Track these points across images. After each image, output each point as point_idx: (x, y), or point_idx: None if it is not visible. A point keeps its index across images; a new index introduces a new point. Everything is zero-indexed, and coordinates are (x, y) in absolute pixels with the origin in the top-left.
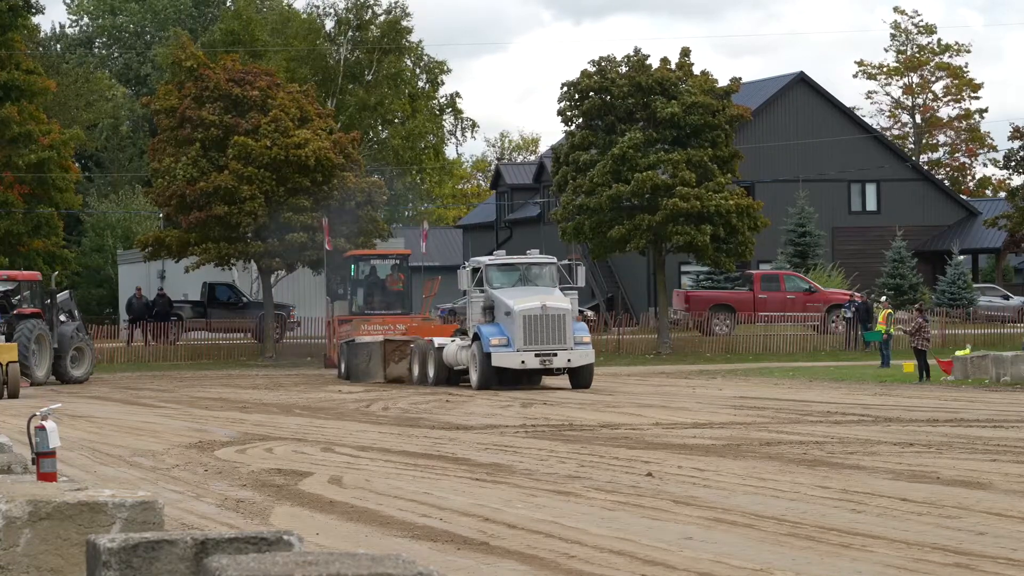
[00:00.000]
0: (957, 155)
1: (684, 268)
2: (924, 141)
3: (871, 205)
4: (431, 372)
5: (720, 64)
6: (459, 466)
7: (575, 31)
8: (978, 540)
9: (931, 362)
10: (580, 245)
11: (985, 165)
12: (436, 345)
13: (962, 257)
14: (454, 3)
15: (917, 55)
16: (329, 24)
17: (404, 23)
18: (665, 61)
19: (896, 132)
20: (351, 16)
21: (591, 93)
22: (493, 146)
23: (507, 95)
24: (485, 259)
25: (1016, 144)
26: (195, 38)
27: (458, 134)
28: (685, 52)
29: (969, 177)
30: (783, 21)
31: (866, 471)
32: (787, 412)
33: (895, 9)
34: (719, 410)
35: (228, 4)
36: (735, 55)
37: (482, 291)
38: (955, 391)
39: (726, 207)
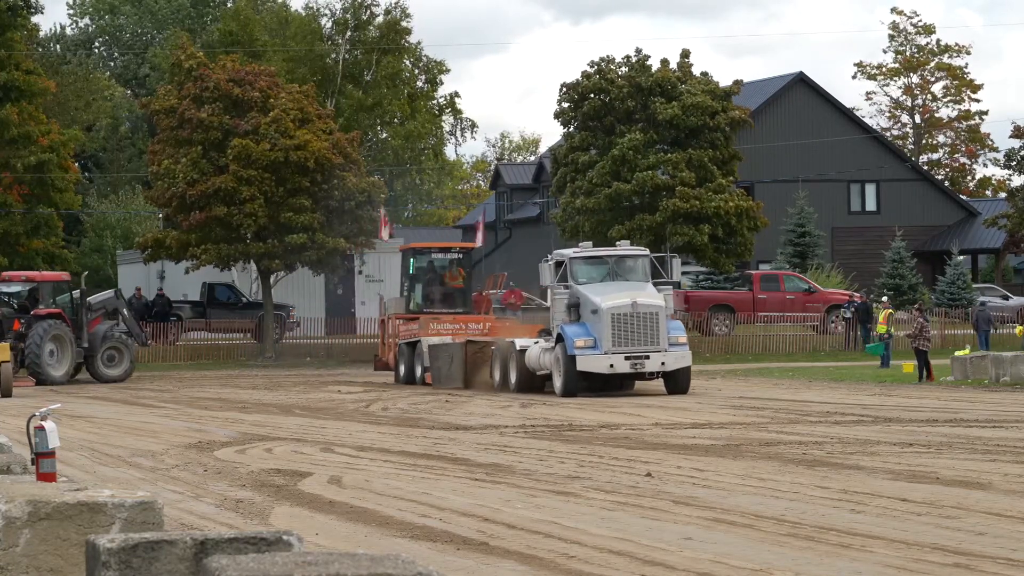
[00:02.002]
0: (957, 155)
1: (683, 268)
2: (924, 141)
3: (871, 205)
4: (513, 377)
5: (720, 64)
6: (458, 466)
7: (574, 31)
8: (977, 540)
9: (932, 361)
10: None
11: (985, 165)
12: (518, 347)
13: (961, 257)
14: (454, 3)
15: (916, 56)
16: (327, 24)
17: (403, 23)
18: (665, 62)
19: (896, 132)
20: (349, 16)
21: (590, 94)
22: (493, 146)
23: (507, 95)
24: (569, 251)
25: (1017, 144)
26: (194, 39)
27: (457, 134)
28: (685, 54)
29: (969, 177)
30: (783, 21)
31: (865, 471)
32: (786, 412)
33: (894, 10)
34: (718, 410)
35: (228, 5)
36: (735, 55)
37: (566, 287)
38: (954, 391)
39: (725, 208)
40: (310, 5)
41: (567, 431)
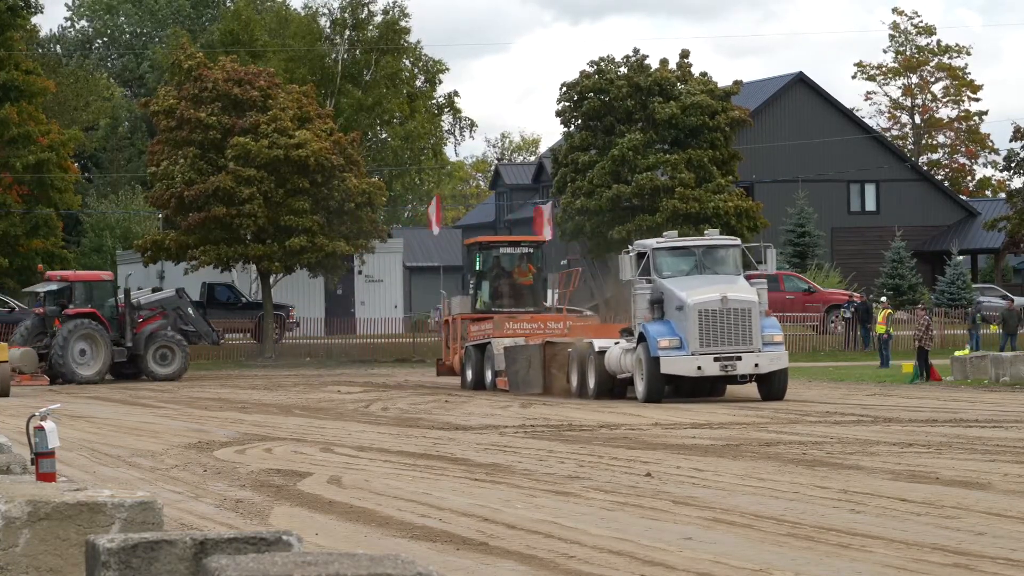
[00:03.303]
0: (956, 156)
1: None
2: (923, 142)
3: (870, 206)
4: (591, 381)
5: (719, 64)
6: (458, 466)
7: (574, 31)
8: (977, 540)
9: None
10: (580, 246)
11: (985, 166)
12: (596, 348)
13: (961, 258)
14: (454, 3)
15: (916, 56)
16: (327, 24)
17: (402, 23)
18: (664, 62)
19: (895, 133)
20: (348, 16)
21: (590, 94)
22: (493, 146)
23: (507, 95)
24: (652, 241)
25: (1017, 145)
26: (193, 39)
27: (457, 134)
28: (684, 54)
29: (968, 178)
30: (782, 21)
31: (865, 471)
32: (786, 412)
33: (894, 10)
34: (718, 410)
35: (228, 5)
36: (734, 55)
37: (649, 281)
38: (954, 391)
39: (725, 208)
40: (309, 5)
41: (567, 431)
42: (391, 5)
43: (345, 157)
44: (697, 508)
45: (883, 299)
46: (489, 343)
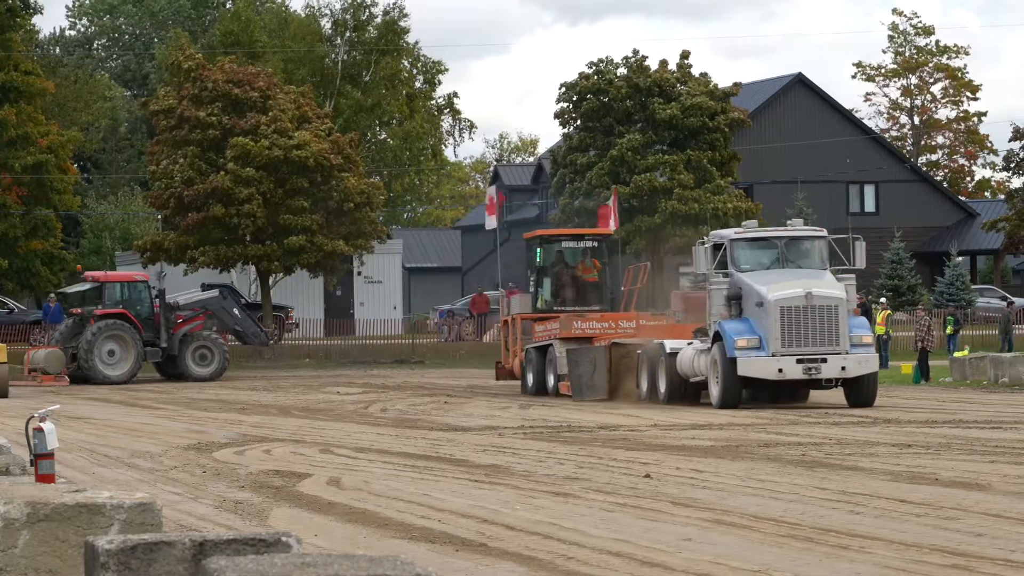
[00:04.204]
0: (955, 157)
1: (682, 270)
2: (922, 143)
3: (869, 206)
4: (662, 385)
5: (718, 65)
6: (457, 467)
7: (573, 32)
8: (976, 541)
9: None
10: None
11: (984, 167)
12: (668, 350)
13: (960, 258)
14: (455, 5)
15: (915, 56)
16: (327, 25)
17: (401, 24)
18: (663, 63)
19: (894, 133)
20: (348, 17)
21: (589, 95)
22: (492, 147)
23: (506, 96)
24: (730, 232)
25: (1016, 145)
26: (194, 40)
27: (456, 135)
28: (684, 55)
29: (968, 179)
30: (782, 22)
31: (864, 472)
32: (785, 413)
33: (893, 11)
34: (717, 411)
35: (227, 6)
36: (733, 56)
37: (726, 275)
38: (953, 392)
39: (724, 209)
40: (310, 5)
41: (566, 432)
42: (391, 6)
43: (344, 157)
44: (696, 509)
45: (882, 300)
46: (551, 344)
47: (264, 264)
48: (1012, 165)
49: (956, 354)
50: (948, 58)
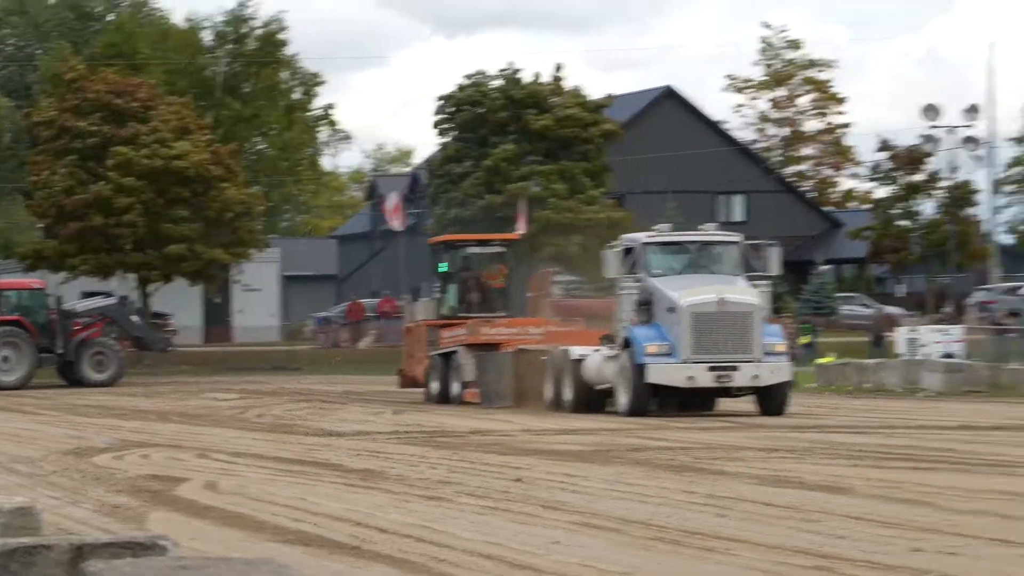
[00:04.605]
0: (822, 168)
1: (555, 278)
2: (789, 154)
3: (738, 216)
4: (567, 392)
5: (592, 78)
6: (332, 472)
7: (450, 45)
8: (839, 543)
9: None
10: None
11: (850, 178)
12: (574, 356)
13: (826, 267)
14: (334, 17)
15: (784, 69)
16: (207, 37)
17: (280, 36)
18: (538, 76)
19: (762, 145)
20: (228, 30)
21: (465, 106)
22: (369, 158)
23: (384, 108)
24: (642, 235)
25: (881, 156)
26: (77, 51)
27: (333, 144)
28: (558, 68)
29: (833, 189)
30: (654, 36)
31: (731, 476)
32: (654, 418)
33: (763, 24)
34: (587, 416)
35: (110, 18)
36: (607, 69)
37: (637, 280)
38: (818, 398)
39: (597, 219)
40: (191, 18)
41: (439, 437)
42: (270, 19)
43: (224, 168)
44: (566, 512)
45: None
46: (456, 351)
47: (144, 272)
48: (876, 176)
49: (820, 360)
50: (816, 71)
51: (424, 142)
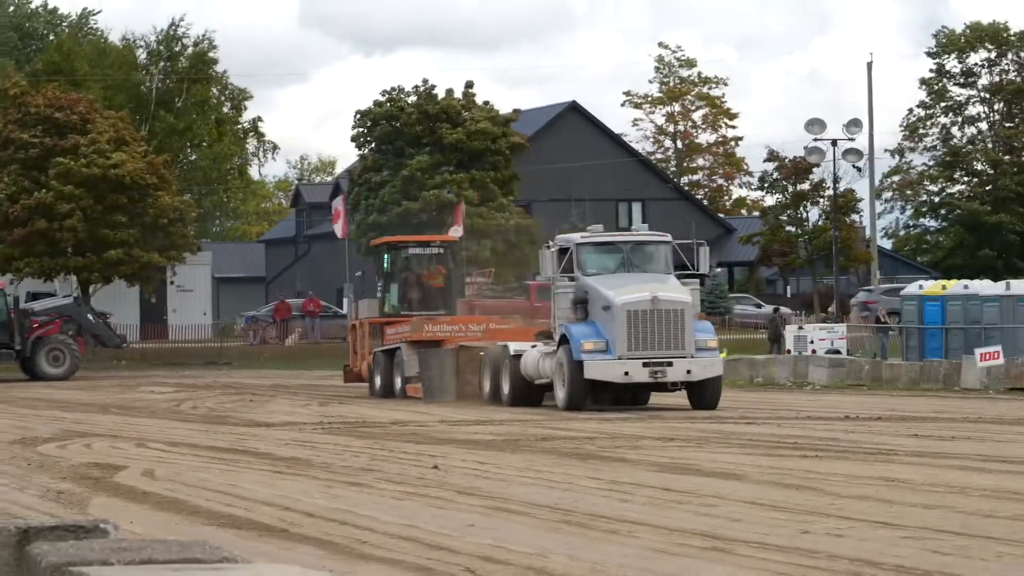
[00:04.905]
0: (715, 177)
1: (467, 280)
2: (685, 164)
3: (637, 222)
4: (505, 387)
5: (500, 94)
6: (262, 460)
7: (367, 63)
8: (733, 526)
9: None
10: (373, 259)
11: (740, 187)
12: (512, 352)
13: (719, 270)
14: (261, 36)
15: (679, 86)
16: (142, 55)
17: (211, 54)
18: (450, 92)
19: (659, 156)
20: (162, 48)
21: (382, 120)
22: (294, 167)
23: (307, 121)
24: (576, 236)
25: (769, 167)
26: (19, 68)
27: (260, 155)
28: (469, 84)
29: (726, 197)
30: (558, 55)
31: (632, 463)
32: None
33: (659, 44)
34: (500, 408)
35: (51, 37)
36: (514, 86)
37: (571, 279)
38: None
39: (507, 225)
40: (126, 37)
41: (361, 427)
42: (201, 38)
43: (158, 177)
44: (479, 498)
45: None
46: (398, 348)
47: (85, 275)
48: (765, 185)
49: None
50: (708, 88)
51: (345, 153)
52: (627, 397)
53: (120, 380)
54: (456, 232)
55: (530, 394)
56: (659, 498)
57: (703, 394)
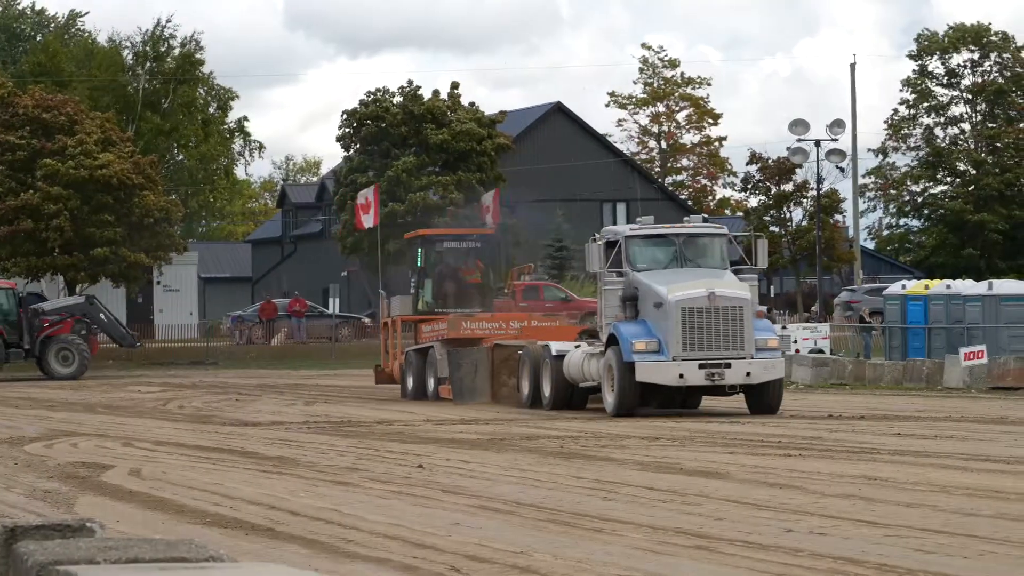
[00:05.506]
0: (699, 178)
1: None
2: (669, 165)
3: (622, 223)
4: (546, 390)
5: (485, 95)
6: (248, 459)
7: (353, 65)
8: (717, 525)
9: None
10: (359, 259)
11: (724, 187)
12: (554, 352)
13: None
14: (248, 37)
15: (663, 87)
16: (128, 56)
17: (197, 55)
18: (436, 93)
19: (644, 156)
20: (148, 49)
21: (368, 121)
22: (279, 168)
23: (293, 122)
24: (625, 228)
25: (753, 168)
26: (5, 69)
27: (246, 155)
28: (454, 85)
29: (710, 197)
30: (543, 56)
31: (616, 463)
32: (546, 410)
33: (643, 45)
34: (483, 408)
35: (38, 39)
36: (499, 87)
37: (620, 274)
38: None
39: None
40: (112, 39)
41: (347, 427)
42: (188, 39)
43: (145, 177)
44: (464, 496)
45: None
46: (431, 347)
47: (71, 274)
48: (748, 186)
49: None
50: (692, 88)
51: (331, 153)
52: (677, 400)
53: (106, 380)
54: (490, 223)
55: (573, 397)
56: (643, 497)
57: (763, 398)
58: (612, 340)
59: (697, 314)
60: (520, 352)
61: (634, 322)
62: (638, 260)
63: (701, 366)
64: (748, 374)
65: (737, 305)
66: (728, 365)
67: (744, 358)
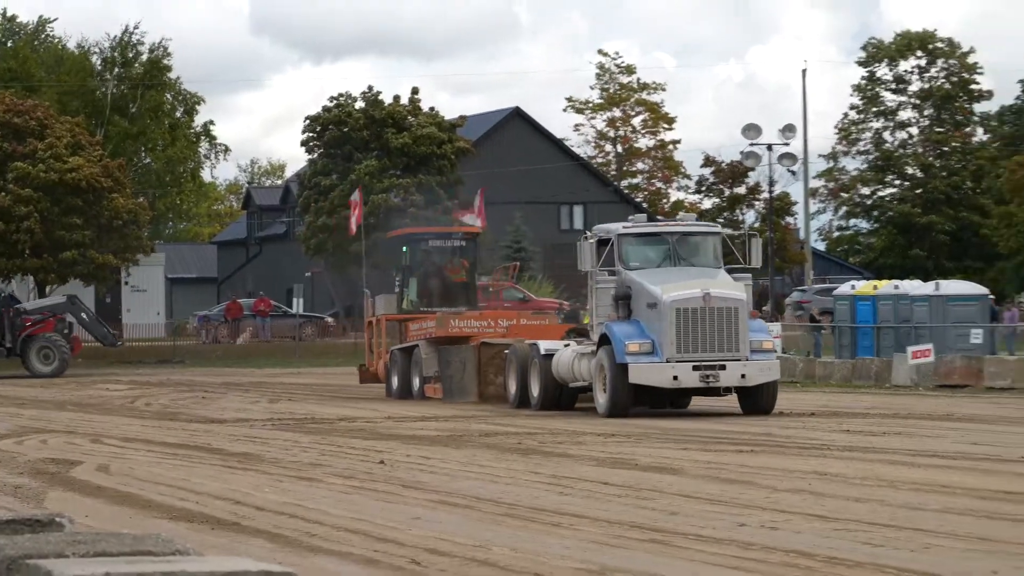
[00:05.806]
0: (654, 181)
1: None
2: (624, 168)
3: (579, 224)
4: (535, 390)
5: (445, 100)
6: (213, 455)
7: (316, 70)
8: (671, 519)
9: None
10: (323, 260)
11: (678, 190)
12: (542, 351)
13: None
14: (214, 43)
15: (619, 92)
16: (97, 62)
17: (165, 61)
18: (397, 98)
19: (600, 160)
20: (116, 55)
21: (331, 125)
22: (244, 171)
23: (258, 126)
24: (617, 226)
25: (706, 171)
26: None
27: (212, 158)
28: (415, 91)
29: (664, 200)
30: (501, 62)
31: (573, 459)
32: (504, 407)
33: (600, 51)
34: (443, 405)
35: (8, 44)
36: (459, 92)
37: (612, 273)
38: None
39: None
40: (82, 45)
41: (309, 423)
42: (155, 45)
43: (113, 180)
44: (424, 492)
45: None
46: (416, 346)
47: (41, 275)
48: (702, 189)
49: None
50: (647, 94)
51: (295, 157)
52: (666, 400)
53: (75, 378)
54: (474, 221)
55: (562, 397)
56: (599, 492)
57: (758, 399)
58: (604, 340)
59: (691, 315)
60: (507, 351)
61: (627, 322)
62: (631, 258)
63: (695, 368)
64: (743, 376)
65: (732, 306)
66: (723, 367)
67: (739, 360)
